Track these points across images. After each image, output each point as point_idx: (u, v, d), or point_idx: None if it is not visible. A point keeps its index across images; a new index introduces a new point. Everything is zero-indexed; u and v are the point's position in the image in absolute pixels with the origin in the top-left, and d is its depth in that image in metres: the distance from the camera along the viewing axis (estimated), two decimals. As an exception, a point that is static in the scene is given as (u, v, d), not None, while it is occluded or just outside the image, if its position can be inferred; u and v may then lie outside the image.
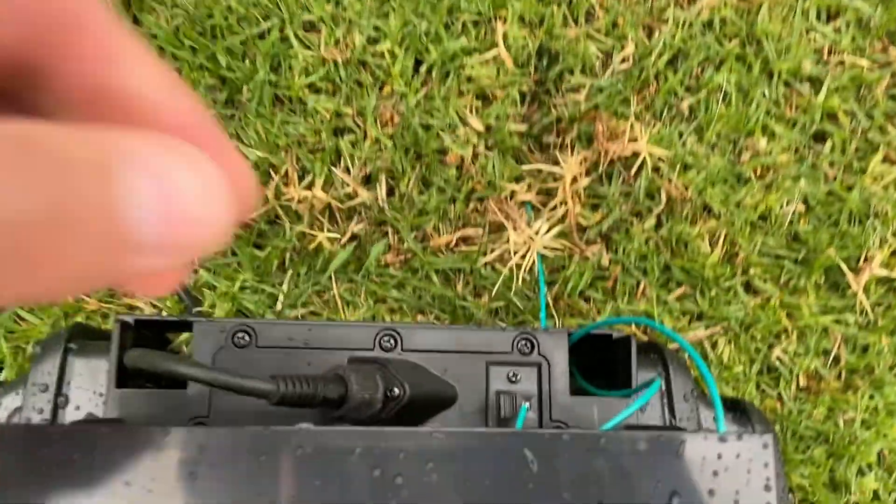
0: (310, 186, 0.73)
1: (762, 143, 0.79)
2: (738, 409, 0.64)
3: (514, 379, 0.54)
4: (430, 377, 0.53)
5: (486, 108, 0.77)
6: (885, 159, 0.82)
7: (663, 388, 0.60)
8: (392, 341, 0.54)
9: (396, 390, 0.47)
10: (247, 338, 0.52)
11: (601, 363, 0.61)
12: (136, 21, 0.74)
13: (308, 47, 0.75)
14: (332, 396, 0.44)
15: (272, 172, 0.73)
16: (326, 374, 0.46)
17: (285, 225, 0.72)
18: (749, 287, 0.78)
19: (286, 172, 0.73)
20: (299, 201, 0.72)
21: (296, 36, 0.75)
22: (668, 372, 0.60)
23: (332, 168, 0.73)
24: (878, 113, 0.81)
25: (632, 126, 0.76)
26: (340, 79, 0.75)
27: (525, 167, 0.77)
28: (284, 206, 0.73)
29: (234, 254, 0.73)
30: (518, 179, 0.78)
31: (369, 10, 0.75)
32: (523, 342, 0.55)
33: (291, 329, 0.52)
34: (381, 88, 0.76)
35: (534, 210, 0.78)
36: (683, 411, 0.59)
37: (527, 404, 0.52)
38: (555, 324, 0.75)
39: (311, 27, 0.76)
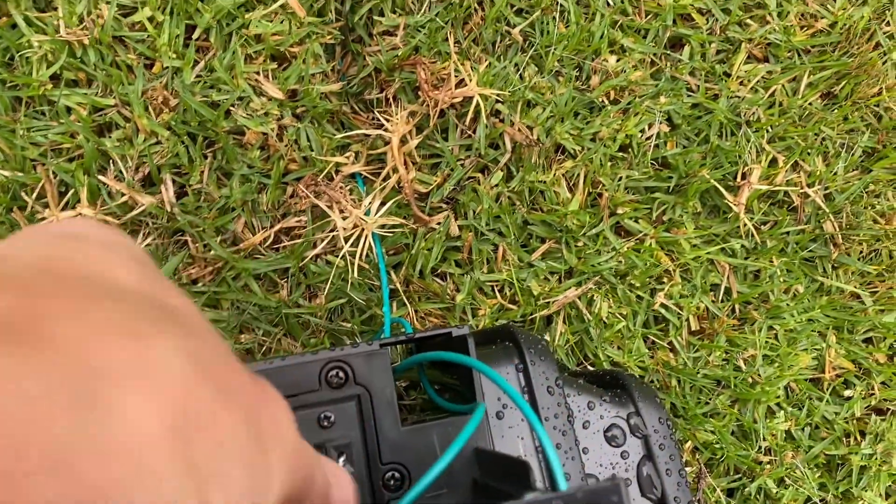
0: (74, 204, 0.59)
1: (611, 61, 0.69)
2: (617, 386, 0.54)
3: (326, 423, 0.42)
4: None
5: (285, 71, 0.63)
6: (750, 57, 0.73)
7: (522, 382, 0.50)
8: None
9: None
10: None
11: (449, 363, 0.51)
12: None
13: (44, 31, 0.60)
14: None
15: (24, 194, 0.59)
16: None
17: (50, 258, 0.58)
18: (620, 230, 0.68)
19: (42, 191, 0.58)
20: (61, 226, 0.58)
21: (25, 20, 0.60)
22: (526, 363, 0.50)
23: (100, 176, 0.59)
24: (733, 6, 0.72)
25: (457, 67, 0.64)
26: (93, 64, 0.60)
27: (346, 134, 0.65)
28: (44, 235, 0.59)
29: None
30: (342, 149, 0.65)
31: (114, -28, 0.61)
32: (333, 371, 0.44)
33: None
34: (148, 68, 0.62)
35: (366, 182, 0.66)
36: (550, 407, 0.49)
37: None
38: (408, 313, 0.64)
39: (44, 6, 0.61)
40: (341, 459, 0.40)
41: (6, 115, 0.59)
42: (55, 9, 0.61)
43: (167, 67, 0.61)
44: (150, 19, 0.61)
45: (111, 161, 0.60)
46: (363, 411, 0.43)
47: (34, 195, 0.58)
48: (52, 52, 0.60)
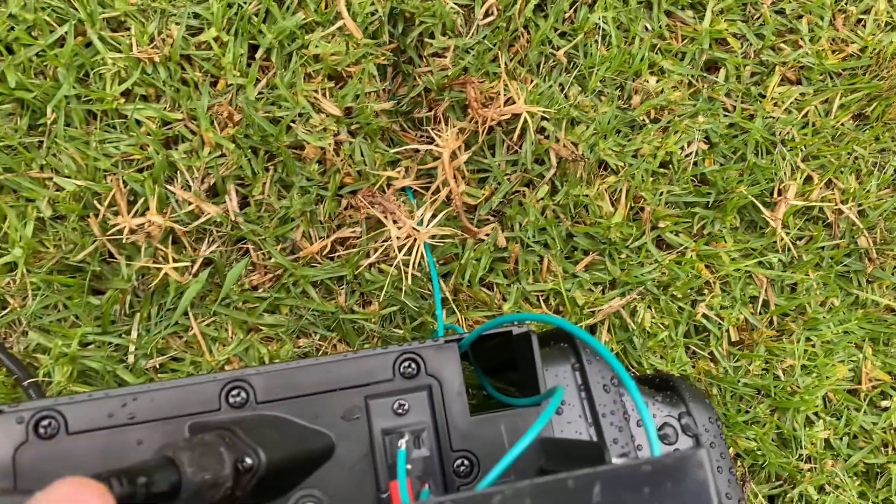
0: (143, 212, 0.61)
1: (651, 82, 0.72)
2: (667, 388, 0.56)
3: (401, 411, 0.45)
4: (295, 430, 0.43)
5: (342, 89, 0.67)
6: (783, 80, 0.75)
7: (579, 381, 0.52)
8: (242, 394, 0.43)
9: (249, 460, 0.37)
10: (54, 424, 0.41)
11: (507, 360, 0.53)
12: None
13: (117, 50, 0.63)
14: (163, 489, 0.34)
15: (97, 203, 0.61)
16: (152, 460, 0.35)
17: (121, 262, 0.61)
18: (661, 243, 0.71)
19: (113, 200, 0.61)
20: (133, 231, 0.60)
21: (100, 38, 0.63)
22: (582, 362, 0.52)
23: (168, 186, 0.62)
24: (767, 31, 0.75)
25: (506, 86, 0.67)
26: (162, 81, 0.64)
27: (398, 149, 0.68)
28: (116, 241, 0.61)
29: (65, 307, 0.61)
30: (393, 164, 0.68)
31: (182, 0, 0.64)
32: (406, 363, 0.46)
33: (109, 403, 0.42)
34: (213, 84, 0.65)
35: (416, 196, 0.68)
36: (606, 403, 0.51)
37: (427, 487, 0.43)
38: (457, 320, 0.66)
39: (117, 26, 0.65)
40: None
41: (81, 128, 0.63)
42: (128, 29, 0.64)
43: (231, 84, 0.65)
44: (216, 39, 0.65)
45: (178, 172, 0.63)
46: (434, 401, 0.45)
47: (106, 203, 0.61)
48: (124, 69, 0.63)
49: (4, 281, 0.61)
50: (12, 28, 0.62)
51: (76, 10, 0.63)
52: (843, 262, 0.72)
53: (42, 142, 0.63)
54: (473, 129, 0.68)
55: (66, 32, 0.63)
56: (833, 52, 0.76)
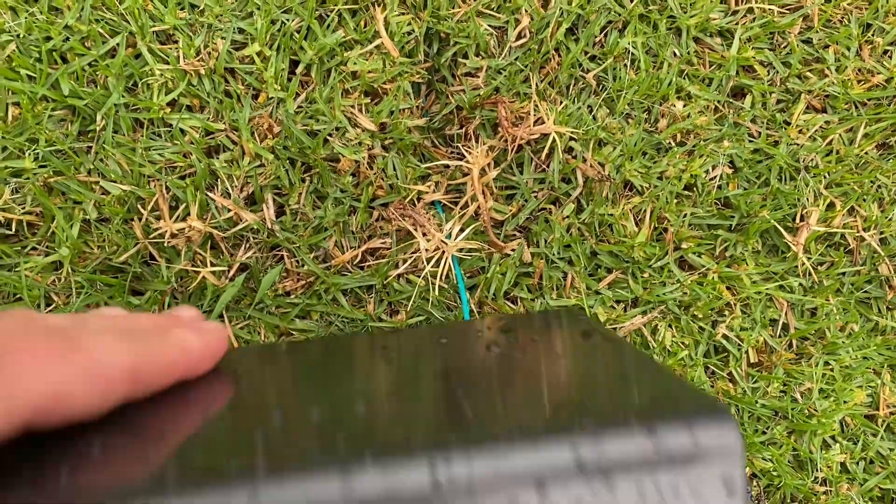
0: (184, 217, 0.64)
1: (678, 106, 0.73)
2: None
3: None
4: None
5: (377, 105, 0.69)
6: (809, 108, 0.77)
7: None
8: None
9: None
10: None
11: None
12: (-40, 54, 0.65)
13: (165, 61, 0.66)
14: None
15: (140, 207, 0.64)
16: None
17: (161, 265, 0.64)
18: (683, 263, 0.72)
19: (156, 205, 0.64)
20: (174, 235, 0.63)
21: (149, 50, 0.66)
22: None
23: (209, 193, 0.65)
24: (794, 60, 0.76)
25: (536, 106, 0.69)
26: (206, 92, 0.66)
27: (429, 164, 0.70)
28: (157, 244, 0.64)
29: (107, 305, 0.64)
30: (424, 178, 0.70)
31: (230, 12, 0.67)
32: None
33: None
34: (254, 97, 0.68)
35: (445, 210, 0.71)
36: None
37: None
38: (481, 332, 0.68)
39: (166, 39, 0.68)
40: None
41: (128, 135, 0.65)
42: (176, 42, 0.67)
43: (272, 98, 0.67)
44: (259, 54, 0.68)
45: (219, 180, 0.66)
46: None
47: (149, 208, 0.64)
48: (171, 80, 0.66)
49: (50, 279, 0.64)
50: (67, 38, 0.66)
51: (128, 22, 0.66)
52: (863, 288, 0.73)
53: (91, 147, 0.66)
54: (503, 147, 0.70)
55: (117, 44, 0.66)
56: (859, 81, 0.77)
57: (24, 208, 0.64)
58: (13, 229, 0.65)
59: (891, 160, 0.76)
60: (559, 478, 0.28)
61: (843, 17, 0.79)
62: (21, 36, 0.65)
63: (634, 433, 0.29)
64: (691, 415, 0.30)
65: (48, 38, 0.65)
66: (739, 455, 0.30)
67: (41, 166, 0.64)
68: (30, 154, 0.64)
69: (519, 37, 0.73)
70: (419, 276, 0.67)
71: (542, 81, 0.72)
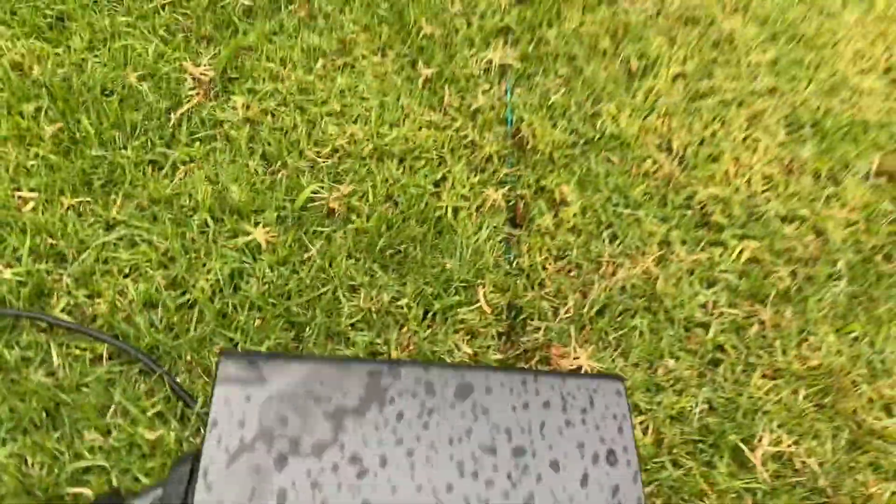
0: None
1: (671, 362, 1.12)
2: None
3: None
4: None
5: (474, 341, 1.10)
6: (764, 376, 1.13)
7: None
8: None
9: None
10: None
11: None
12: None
13: (352, 300, 1.11)
14: None
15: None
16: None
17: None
18: (675, 463, 1.04)
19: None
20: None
21: (343, 295, 1.12)
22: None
23: (367, 376, 1.04)
24: (753, 346, 1.15)
25: (574, 350, 1.09)
26: (373, 321, 1.10)
27: (503, 382, 1.08)
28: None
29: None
30: (499, 394, 1.08)
31: (390, 280, 1.13)
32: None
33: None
34: (401, 328, 1.11)
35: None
36: None
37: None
38: None
39: (352, 290, 1.13)
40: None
41: (322, 342, 1.08)
42: (358, 293, 1.13)
43: (411, 329, 1.10)
44: (408, 304, 1.12)
45: (373, 370, 1.06)
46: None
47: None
48: (353, 312, 1.10)
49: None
50: (300, 292, 1.12)
51: (332, 279, 1.13)
52: (807, 496, 1.02)
53: (299, 346, 1.08)
54: (553, 375, 1.09)
55: (324, 290, 1.12)
56: (798, 359, 1.14)
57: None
58: None
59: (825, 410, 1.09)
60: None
61: (787, 324, 1.19)
62: (274, 283, 1.12)
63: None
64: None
65: (286, 285, 1.12)
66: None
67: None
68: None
69: (566, 313, 1.15)
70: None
71: (579, 337, 1.13)
